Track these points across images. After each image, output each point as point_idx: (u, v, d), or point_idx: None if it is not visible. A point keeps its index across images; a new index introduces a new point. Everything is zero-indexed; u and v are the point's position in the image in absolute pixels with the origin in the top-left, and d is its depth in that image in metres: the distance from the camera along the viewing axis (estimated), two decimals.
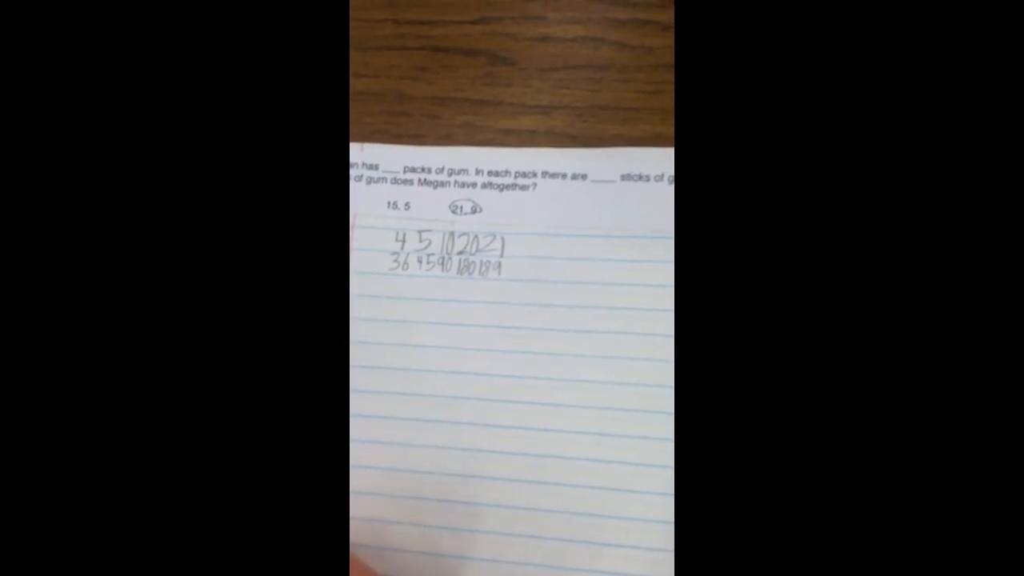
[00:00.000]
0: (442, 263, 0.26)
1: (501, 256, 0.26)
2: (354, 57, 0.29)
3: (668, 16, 0.28)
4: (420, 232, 0.27)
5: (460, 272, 0.26)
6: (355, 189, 0.27)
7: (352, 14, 0.29)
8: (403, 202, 0.27)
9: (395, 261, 0.27)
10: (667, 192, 0.26)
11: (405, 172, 0.27)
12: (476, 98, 0.28)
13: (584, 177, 0.26)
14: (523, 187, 0.27)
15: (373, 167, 0.27)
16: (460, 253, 0.26)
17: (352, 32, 0.29)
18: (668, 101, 0.27)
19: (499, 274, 0.26)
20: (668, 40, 0.28)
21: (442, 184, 0.27)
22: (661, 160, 0.26)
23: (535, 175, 0.27)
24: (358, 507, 0.24)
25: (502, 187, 0.27)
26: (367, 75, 0.29)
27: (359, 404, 0.25)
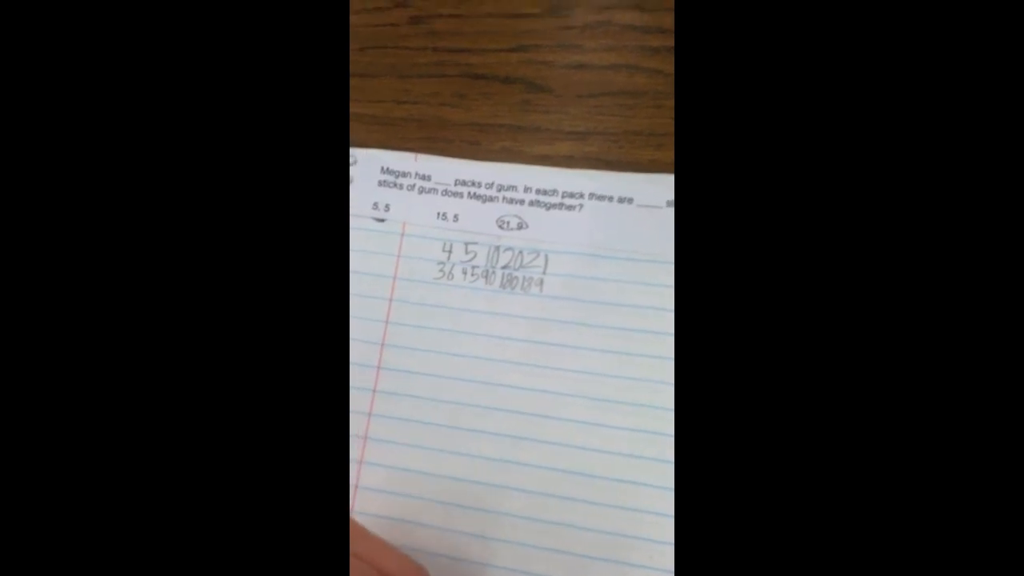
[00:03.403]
0: (486, 276, 0.27)
1: (544, 273, 0.27)
2: (394, 84, 0.30)
3: None
4: (467, 244, 0.27)
5: (503, 286, 0.27)
6: (407, 198, 0.28)
7: (391, 42, 0.30)
8: (452, 214, 0.28)
9: (440, 271, 0.27)
10: None
11: (456, 185, 0.28)
12: (514, 124, 0.29)
13: (630, 201, 0.27)
14: (569, 207, 0.27)
15: (425, 178, 0.28)
16: (504, 267, 0.27)
17: (392, 60, 0.30)
18: None
19: (540, 290, 0.26)
20: None
21: (491, 199, 0.28)
22: None
23: (582, 196, 0.27)
24: (387, 507, 0.25)
25: (549, 206, 0.27)
26: (407, 102, 0.29)
27: (390, 407, 0.26)
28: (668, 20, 0.28)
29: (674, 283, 0.25)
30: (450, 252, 0.27)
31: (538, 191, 0.27)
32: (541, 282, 0.27)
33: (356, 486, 0.26)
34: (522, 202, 0.27)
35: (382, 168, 0.29)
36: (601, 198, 0.27)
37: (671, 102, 0.28)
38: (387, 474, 0.25)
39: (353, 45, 0.31)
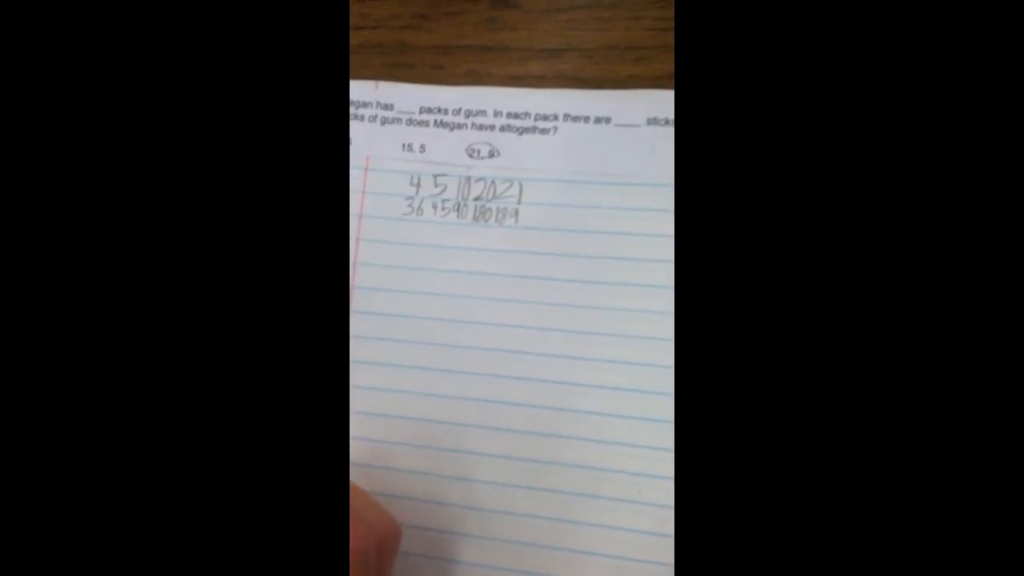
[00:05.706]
0: (458, 209, 0.25)
1: (519, 203, 0.25)
2: (352, 9, 0.27)
3: None
4: (435, 176, 0.26)
5: (476, 219, 0.25)
6: (369, 130, 0.26)
7: None
8: (418, 144, 0.26)
9: (409, 206, 0.26)
10: None
11: (421, 113, 0.26)
12: (480, 45, 0.26)
13: (608, 121, 0.25)
14: (543, 131, 0.25)
15: (387, 107, 0.26)
16: (476, 199, 0.25)
17: None
18: None
19: (516, 222, 0.25)
20: None
21: (459, 126, 0.26)
22: None
23: (556, 118, 0.25)
24: (365, 454, 0.24)
25: (521, 130, 0.25)
26: (366, 27, 0.27)
27: (367, 351, 0.25)
28: None
29: (674, 207, 0.23)
30: (418, 186, 0.26)
31: (509, 115, 0.26)
32: (516, 212, 0.25)
33: None
34: (492, 128, 0.26)
35: None
36: (576, 119, 0.25)
37: (650, 12, 0.26)
38: (363, 420, 0.25)
39: None
